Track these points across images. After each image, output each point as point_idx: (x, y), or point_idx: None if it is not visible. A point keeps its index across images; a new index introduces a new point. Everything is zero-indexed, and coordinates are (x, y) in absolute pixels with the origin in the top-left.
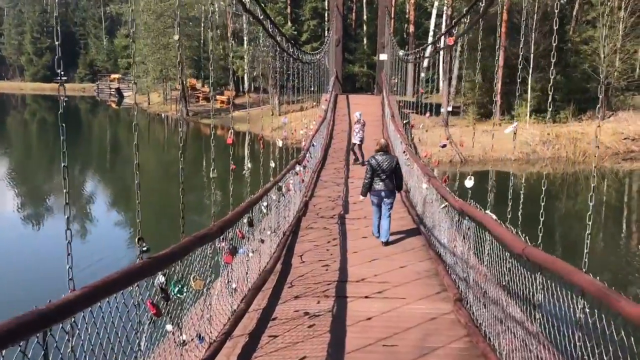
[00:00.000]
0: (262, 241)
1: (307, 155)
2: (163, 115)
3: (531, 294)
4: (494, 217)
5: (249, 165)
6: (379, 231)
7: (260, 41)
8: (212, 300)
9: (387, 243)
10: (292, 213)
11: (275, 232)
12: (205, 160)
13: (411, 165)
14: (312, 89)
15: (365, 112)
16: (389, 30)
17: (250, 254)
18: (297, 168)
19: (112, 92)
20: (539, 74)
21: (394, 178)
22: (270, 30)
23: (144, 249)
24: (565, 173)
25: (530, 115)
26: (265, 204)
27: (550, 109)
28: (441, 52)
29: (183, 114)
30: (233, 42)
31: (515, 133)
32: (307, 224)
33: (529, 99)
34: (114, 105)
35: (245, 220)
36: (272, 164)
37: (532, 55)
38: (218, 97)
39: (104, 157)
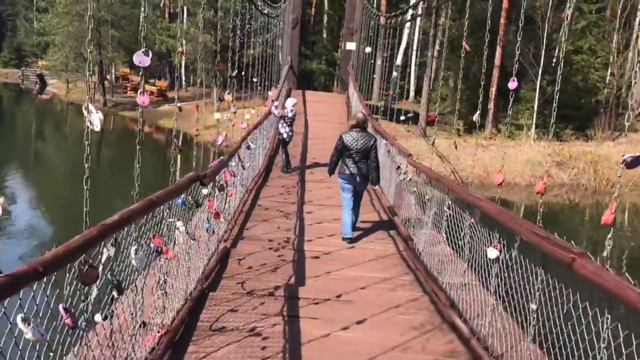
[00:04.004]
0: None
1: (235, 162)
2: (85, 104)
3: None
4: None
5: None
6: (352, 230)
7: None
8: None
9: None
10: (177, 303)
11: None
12: (138, 164)
13: (435, 199)
14: (263, 76)
15: (328, 113)
16: (361, 11)
17: None
18: (205, 191)
19: (36, 80)
20: (531, 84)
21: (368, 162)
22: None
23: None
24: (584, 205)
25: (529, 129)
26: None
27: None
28: (414, 51)
29: (100, 103)
30: (166, 19)
31: None
32: (212, 318)
33: (535, 108)
34: (42, 95)
35: None
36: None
37: (542, 52)
38: (148, 87)
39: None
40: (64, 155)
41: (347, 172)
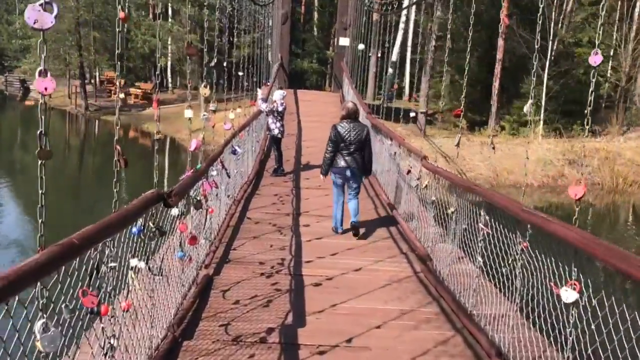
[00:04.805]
0: None
1: (217, 171)
2: (68, 109)
3: None
4: None
5: None
6: (342, 224)
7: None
8: None
9: (357, 230)
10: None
11: None
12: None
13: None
14: (250, 71)
15: (322, 112)
16: (354, 3)
17: None
18: (175, 212)
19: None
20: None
21: (363, 153)
22: None
23: None
24: (601, 205)
25: (536, 125)
26: None
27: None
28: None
29: (82, 108)
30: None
31: None
32: None
33: (542, 104)
34: (26, 102)
35: None
36: None
37: (549, 48)
38: (132, 90)
39: None
40: (47, 163)
41: (340, 165)
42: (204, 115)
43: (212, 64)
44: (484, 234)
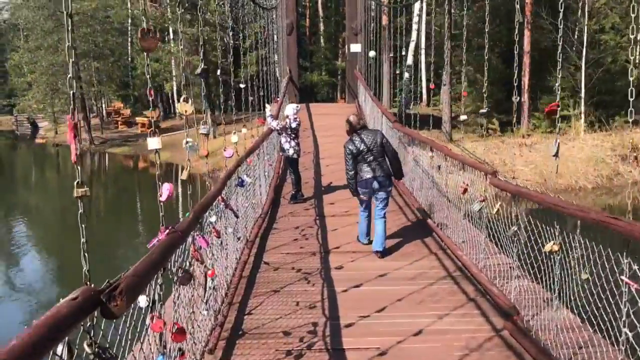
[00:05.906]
0: None
1: (217, 217)
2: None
3: None
4: None
5: None
6: (368, 235)
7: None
8: None
9: (383, 253)
10: None
11: None
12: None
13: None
14: (256, 84)
15: (338, 126)
16: (363, 5)
17: None
18: (142, 303)
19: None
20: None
21: (385, 158)
22: None
23: None
24: None
25: (577, 120)
26: None
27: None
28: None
29: (87, 141)
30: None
31: None
32: None
33: (582, 96)
34: (36, 140)
35: None
36: None
37: (585, 33)
38: (138, 119)
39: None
40: (56, 204)
41: (364, 177)
42: (187, 142)
43: (198, 71)
44: (630, 289)
